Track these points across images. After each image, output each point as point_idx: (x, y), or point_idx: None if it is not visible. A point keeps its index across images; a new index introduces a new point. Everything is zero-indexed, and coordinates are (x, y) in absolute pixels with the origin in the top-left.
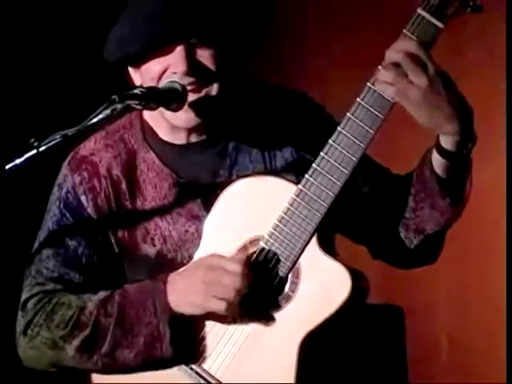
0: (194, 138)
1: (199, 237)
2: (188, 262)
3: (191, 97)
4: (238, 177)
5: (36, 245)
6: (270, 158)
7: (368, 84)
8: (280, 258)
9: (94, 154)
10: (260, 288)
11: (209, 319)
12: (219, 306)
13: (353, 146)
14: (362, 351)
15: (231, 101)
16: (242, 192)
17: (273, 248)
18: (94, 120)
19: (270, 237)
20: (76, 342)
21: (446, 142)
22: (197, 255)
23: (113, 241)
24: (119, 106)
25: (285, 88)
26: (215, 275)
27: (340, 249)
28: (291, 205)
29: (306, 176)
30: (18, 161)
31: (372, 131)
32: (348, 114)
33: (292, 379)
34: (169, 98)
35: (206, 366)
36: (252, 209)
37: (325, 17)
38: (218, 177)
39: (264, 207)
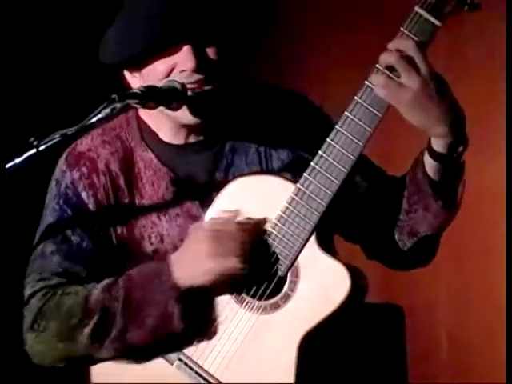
0: (192, 139)
1: None
2: None
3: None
4: (236, 176)
5: (36, 241)
6: (266, 160)
7: (366, 82)
8: (279, 256)
9: (92, 150)
10: (260, 287)
11: (217, 291)
12: (234, 263)
13: (351, 144)
14: (361, 350)
15: (230, 101)
16: (240, 191)
17: (271, 247)
18: (94, 119)
19: (269, 236)
20: (87, 330)
21: (438, 145)
22: None
23: (113, 237)
24: (119, 105)
25: (284, 89)
26: (218, 236)
27: (339, 248)
28: (290, 204)
29: (305, 175)
30: (17, 160)
31: (370, 129)
32: (346, 113)
33: (291, 378)
34: (169, 97)
35: (206, 365)
36: (250, 208)
37: (325, 17)
38: (215, 178)
39: (262, 206)
